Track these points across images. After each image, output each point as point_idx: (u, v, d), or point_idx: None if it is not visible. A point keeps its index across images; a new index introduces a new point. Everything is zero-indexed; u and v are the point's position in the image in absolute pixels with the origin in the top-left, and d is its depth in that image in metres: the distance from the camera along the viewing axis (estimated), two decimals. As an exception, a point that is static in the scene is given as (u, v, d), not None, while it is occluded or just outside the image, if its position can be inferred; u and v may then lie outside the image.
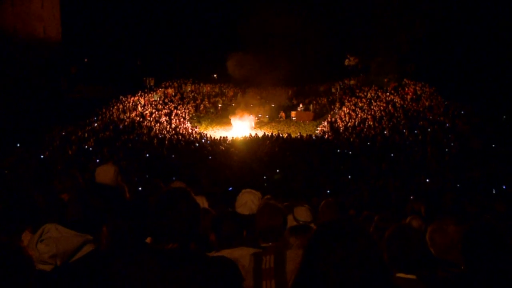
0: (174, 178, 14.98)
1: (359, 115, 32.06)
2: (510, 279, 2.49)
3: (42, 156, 19.94)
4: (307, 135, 30.69)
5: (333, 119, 33.95)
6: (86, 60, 46.72)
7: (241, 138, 30.48)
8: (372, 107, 33.03)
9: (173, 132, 30.02)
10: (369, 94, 36.06)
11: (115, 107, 33.50)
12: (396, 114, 29.74)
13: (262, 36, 37.02)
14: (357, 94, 37.22)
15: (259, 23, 36.48)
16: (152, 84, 40.94)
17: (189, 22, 45.85)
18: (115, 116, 31.35)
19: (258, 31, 36.70)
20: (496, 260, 2.55)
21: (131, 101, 35.31)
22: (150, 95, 37.82)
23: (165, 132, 29.66)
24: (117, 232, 2.74)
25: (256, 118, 36.68)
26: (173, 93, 39.61)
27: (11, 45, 32.52)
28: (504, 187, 15.58)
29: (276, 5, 36.92)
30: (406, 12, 36.07)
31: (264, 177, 18.85)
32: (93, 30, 45.31)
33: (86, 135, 25.55)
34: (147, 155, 22.46)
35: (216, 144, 27.50)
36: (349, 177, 19.14)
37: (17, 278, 1.76)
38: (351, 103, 35.49)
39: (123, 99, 35.54)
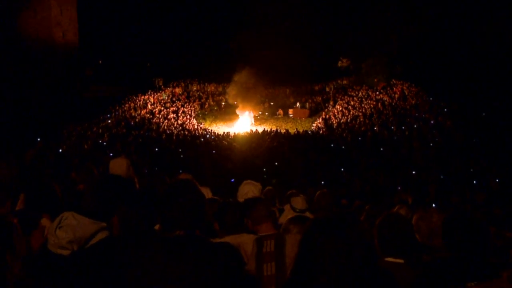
0: (181, 171, 15.00)
1: (351, 113, 32.04)
2: (485, 262, 2.50)
3: (60, 150, 19.93)
4: (303, 130, 30.68)
5: (327, 116, 33.94)
6: (100, 62, 46.70)
7: (243, 134, 30.48)
8: (363, 105, 32.99)
9: (180, 128, 30.00)
10: (360, 93, 36.04)
11: (127, 105, 33.48)
12: (385, 112, 29.73)
13: (262, 40, 37.00)
14: (349, 93, 37.20)
15: (259, 28, 36.51)
16: (160, 84, 40.93)
17: (194, 27, 45.89)
18: (127, 113, 31.35)
19: (259, 36, 36.72)
20: (473, 245, 2.56)
21: (142, 100, 35.29)
22: (159, 94, 37.80)
23: (173, 128, 29.65)
24: (128, 220, 2.73)
25: (257, 115, 36.70)
26: (180, 92, 39.58)
27: (34, 49, 32.60)
28: (483, 177, 15.62)
29: (276, 13, 36.88)
30: (394, 18, 36.04)
31: (264, 169, 18.86)
32: (107, 35, 45.33)
33: (100, 131, 25.54)
34: (156, 149, 22.46)
35: (220, 139, 27.49)
36: (342, 169, 19.15)
37: None
38: (344, 101, 35.48)
39: (134, 98, 35.54)
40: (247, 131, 31.42)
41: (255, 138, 27.77)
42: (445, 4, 33.82)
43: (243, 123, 34.56)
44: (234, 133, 30.82)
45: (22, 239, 1.86)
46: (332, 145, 24.36)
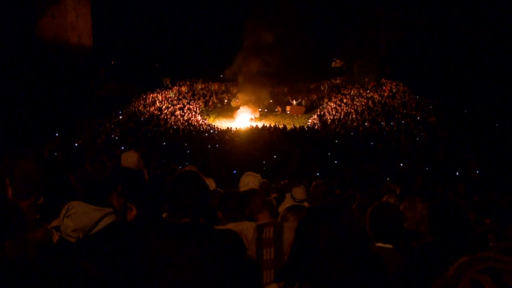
0: (186, 163, 15.01)
1: (344, 109, 32.02)
2: (467, 247, 2.50)
3: (76, 144, 19.93)
4: (300, 126, 30.68)
5: (322, 112, 33.92)
6: (112, 62, 46.61)
7: (244, 129, 30.46)
8: (355, 102, 32.98)
9: (186, 123, 29.98)
10: (352, 92, 35.99)
11: (137, 103, 33.46)
12: (375, 109, 29.72)
13: (262, 43, 37.05)
14: (342, 92, 37.15)
15: (260, 33, 36.54)
16: (168, 83, 40.81)
17: (199, 31, 45.94)
18: (137, 110, 31.33)
19: (259, 39, 36.78)
20: (455, 231, 2.56)
21: (150, 98, 35.24)
22: (166, 92, 37.73)
23: (179, 123, 29.63)
24: (138, 208, 2.72)
25: (256, 111, 36.70)
26: (186, 91, 39.49)
27: (51, 51, 32.59)
28: (464, 169, 15.67)
29: (275, 18, 36.85)
30: (383, 23, 35.99)
31: (264, 162, 18.85)
32: (119, 38, 45.26)
33: (112, 126, 25.54)
34: (164, 143, 22.45)
35: (223, 134, 27.49)
36: (335, 162, 19.16)
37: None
38: (337, 99, 35.43)
39: (144, 95, 35.51)
40: (248, 126, 31.42)
41: (255, 133, 27.77)
42: (429, 9, 33.77)
43: (244, 119, 34.56)
44: (236, 128, 30.80)
45: (34, 225, 1.84)
46: (326, 139, 24.36)
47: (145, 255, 2.02)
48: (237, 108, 36.53)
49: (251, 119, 34.77)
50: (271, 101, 38.75)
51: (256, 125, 31.02)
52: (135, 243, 2.09)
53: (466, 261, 1.12)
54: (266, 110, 37.59)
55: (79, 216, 2.22)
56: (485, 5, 31.08)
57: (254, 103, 36.79)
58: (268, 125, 30.08)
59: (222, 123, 34.15)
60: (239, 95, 38.03)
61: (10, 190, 2.86)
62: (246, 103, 36.41)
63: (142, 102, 33.93)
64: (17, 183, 2.85)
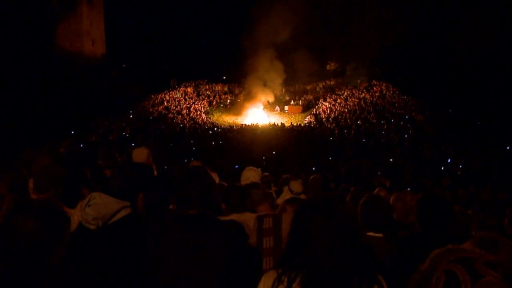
0: (192, 158, 15.00)
1: (337, 109, 32.01)
2: (451, 236, 2.52)
3: (90, 141, 19.95)
4: (297, 124, 30.67)
5: (317, 111, 33.89)
6: (124, 65, 46.61)
7: (245, 127, 30.43)
8: (348, 102, 32.96)
9: (192, 122, 29.97)
10: (345, 92, 35.98)
11: (146, 103, 33.47)
12: (366, 108, 29.71)
13: (263, 47, 37.07)
14: (336, 92, 37.14)
15: (261, 37, 36.56)
16: (175, 84, 40.81)
17: (203, 37, 46.00)
18: (146, 109, 31.33)
19: (260, 43, 36.81)
20: (441, 221, 2.57)
21: (159, 98, 35.25)
22: (173, 92, 37.72)
23: (185, 122, 29.61)
24: (148, 201, 2.73)
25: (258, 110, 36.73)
26: (191, 91, 39.46)
27: (68, 55, 32.70)
28: (449, 164, 15.69)
29: (275, 24, 36.78)
30: (375, 28, 35.98)
31: (263, 157, 18.86)
32: (130, 42, 45.25)
33: (123, 124, 25.54)
34: (171, 140, 22.46)
35: (226, 132, 27.47)
36: (330, 157, 19.17)
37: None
38: (332, 99, 35.41)
39: (152, 96, 35.51)
40: (248, 124, 31.42)
41: (255, 131, 27.76)
42: (417, 16, 33.78)
43: (254, 116, 34.62)
44: (237, 126, 30.76)
45: (68, 221, 1.85)
46: (321, 136, 24.36)
47: (156, 245, 2.04)
48: (245, 98, 36.65)
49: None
50: (270, 100, 38.73)
51: (257, 123, 31.06)
52: (147, 234, 2.11)
53: (439, 253, 1.14)
54: (266, 110, 37.60)
55: (99, 206, 2.24)
56: (468, 8, 31.11)
57: (266, 87, 36.80)
58: (267, 123, 30.10)
59: (225, 122, 34.04)
60: (249, 77, 37.81)
61: (31, 183, 2.88)
62: (256, 87, 36.47)
63: (151, 102, 33.94)
64: (37, 177, 2.87)
